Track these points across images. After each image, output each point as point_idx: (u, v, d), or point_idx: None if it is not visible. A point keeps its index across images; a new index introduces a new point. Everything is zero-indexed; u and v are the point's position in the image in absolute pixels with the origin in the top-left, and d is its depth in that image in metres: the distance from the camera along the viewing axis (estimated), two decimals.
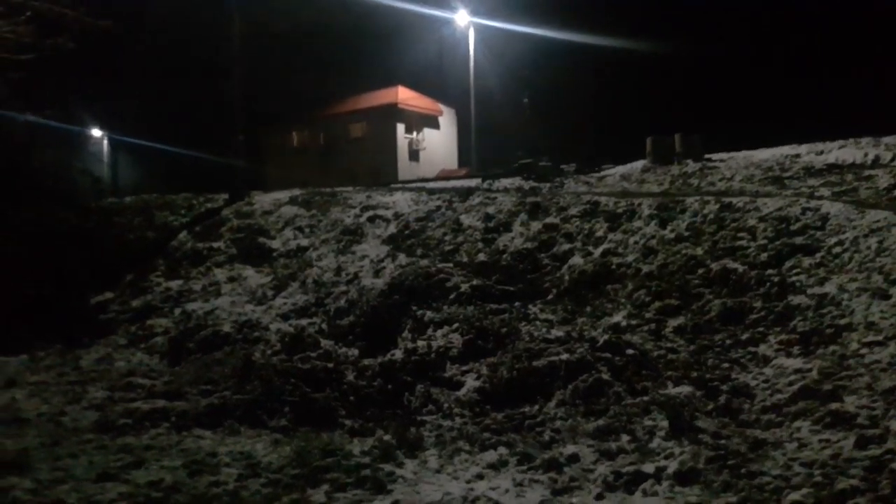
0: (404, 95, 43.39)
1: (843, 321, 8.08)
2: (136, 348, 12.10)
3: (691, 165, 17.81)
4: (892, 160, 14.89)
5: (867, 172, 14.03)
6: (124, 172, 48.97)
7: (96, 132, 46.01)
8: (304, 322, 11.59)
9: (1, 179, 16.75)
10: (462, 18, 35.88)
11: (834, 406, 6.63)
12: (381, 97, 43.70)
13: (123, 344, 12.45)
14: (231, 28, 20.82)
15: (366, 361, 9.74)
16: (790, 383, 7.31)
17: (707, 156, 18.76)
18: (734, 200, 12.08)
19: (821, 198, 11.88)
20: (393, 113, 42.98)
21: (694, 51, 40.37)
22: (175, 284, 14.61)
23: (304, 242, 15.63)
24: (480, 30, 36.17)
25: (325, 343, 10.49)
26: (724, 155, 18.83)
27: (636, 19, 45.81)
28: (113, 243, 16.85)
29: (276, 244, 15.79)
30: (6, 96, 17.30)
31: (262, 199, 19.37)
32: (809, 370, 7.40)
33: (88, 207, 18.72)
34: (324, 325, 11.43)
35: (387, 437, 7.40)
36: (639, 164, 19.68)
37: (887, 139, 16.85)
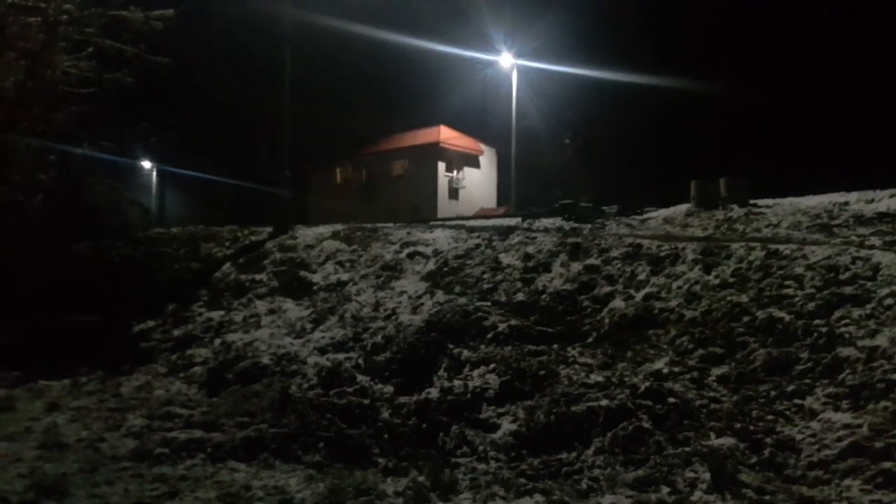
0: (446, 135, 43.91)
1: (895, 376, 7.79)
2: (175, 377, 12.25)
3: (736, 210, 17.54)
4: None
5: None
6: (171, 203, 50.37)
7: (146, 164, 47.48)
8: (341, 356, 11.62)
9: (58, 209, 17.41)
10: (506, 60, 36.31)
11: (886, 465, 6.37)
12: (424, 136, 44.29)
13: (163, 372, 12.63)
14: (283, 68, 21.46)
15: (401, 399, 9.70)
16: (839, 439, 7.04)
17: (752, 201, 18.47)
18: (781, 247, 11.83)
19: (871, 247, 11.56)
20: (434, 152, 43.48)
21: (739, 94, 40.05)
22: (216, 315, 14.82)
23: (345, 277, 15.74)
24: (524, 71, 36.55)
25: (362, 378, 10.49)
26: (769, 201, 18.52)
27: (684, 61, 45.70)
28: (158, 273, 17.24)
29: (316, 278, 15.94)
30: (67, 129, 18.04)
31: (305, 233, 19.63)
32: (859, 426, 7.12)
33: (137, 237, 19.29)
34: (360, 360, 11.44)
35: (421, 479, 7.31)
36: (682, 208, 19.46)
37: None
